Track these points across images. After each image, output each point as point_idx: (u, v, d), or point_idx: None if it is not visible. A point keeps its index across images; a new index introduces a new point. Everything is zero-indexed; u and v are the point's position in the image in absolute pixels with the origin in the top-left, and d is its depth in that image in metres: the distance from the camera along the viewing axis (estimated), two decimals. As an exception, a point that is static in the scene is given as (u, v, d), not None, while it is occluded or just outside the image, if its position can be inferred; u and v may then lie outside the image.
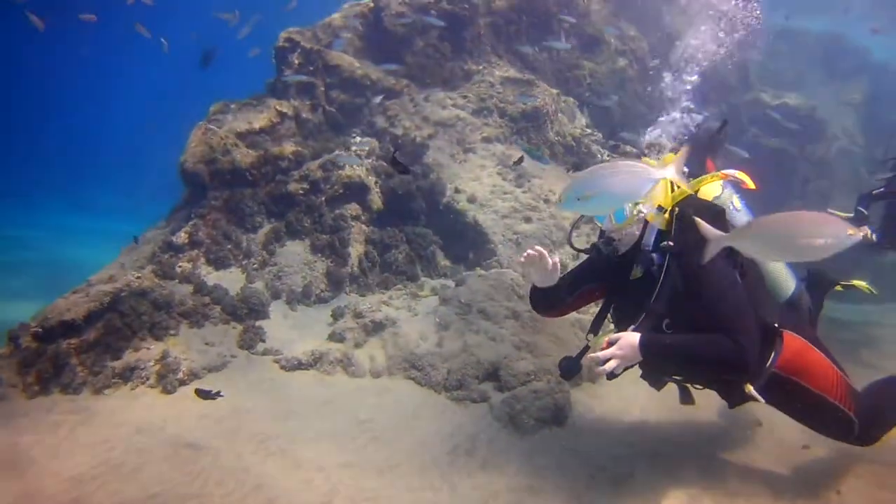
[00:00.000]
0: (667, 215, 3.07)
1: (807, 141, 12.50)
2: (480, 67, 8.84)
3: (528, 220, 7.15)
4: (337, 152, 7.20)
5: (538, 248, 3.29)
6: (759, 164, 11.16)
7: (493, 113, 8.26)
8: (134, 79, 47.79)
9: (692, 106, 6.53)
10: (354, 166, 7.12)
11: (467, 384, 5.00)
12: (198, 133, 7.05)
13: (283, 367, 5.44)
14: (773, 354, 3.07)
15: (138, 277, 5.65)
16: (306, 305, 6.50)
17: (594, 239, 3.57)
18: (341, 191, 7.04)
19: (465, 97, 8.28)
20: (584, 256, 3.66)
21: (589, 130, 9.13)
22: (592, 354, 2.84)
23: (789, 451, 3.93)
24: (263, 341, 5.77)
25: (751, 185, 3.16)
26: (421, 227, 7.25)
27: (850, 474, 3.60)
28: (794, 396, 3.14)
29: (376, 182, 7.26)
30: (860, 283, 4.66)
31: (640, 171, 2.62)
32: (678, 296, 2.97)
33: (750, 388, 3.01)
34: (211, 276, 6.64)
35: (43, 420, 4.73)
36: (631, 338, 2.86)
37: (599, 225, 3.26)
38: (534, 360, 5.10)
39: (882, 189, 5.90)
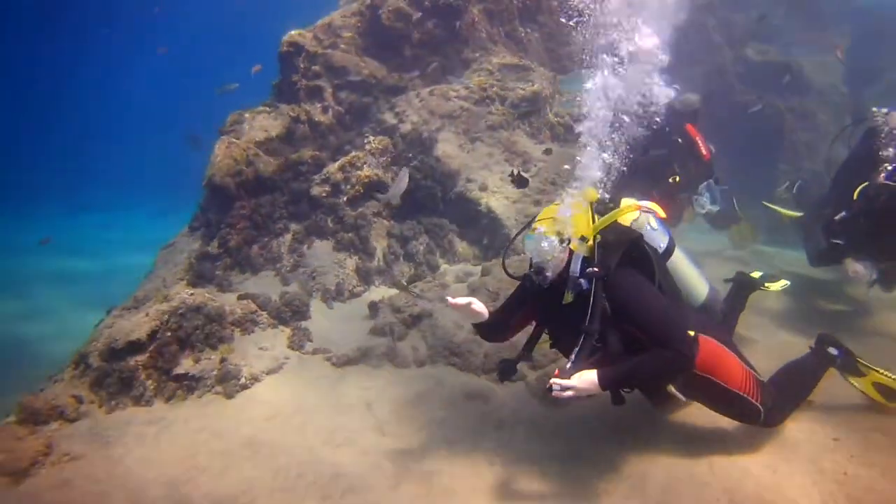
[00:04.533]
0: (590, 243, 3.46)
1: (791, 94, 12.90)
2: (478, 55, 9.18)
3: (537, 203, 7.60)
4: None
5: (457, 300, 3.79)
6: (745, 122, 11.63)
7: (495, 101, 8.64)
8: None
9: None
10: (372, 164, 7.53)
11: (504, 366, 5.49)
12: (222, 147, 7.40)
13: (334, 364, 5.91)
14: None
15: (192, 294, 6.08)
16: (341, 302, 6.97)
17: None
18: (362, 190, 7.46)
19: (467, 88, 8.63)
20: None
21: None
22: (554, 380, 3.19)
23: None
24: (311, 341, 6.24)
25: (661, 214, 3.63)
26: (437, 218, 7.70)
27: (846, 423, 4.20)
28: (709, 391, 3.60)
29: (392, 179, 7.66)
30: (778, 285, 5.34)
31: None
32: (608, 315, 3.35)
33: (671, 388, 3.51)
34: (247, 283, 7.09)
35: (126, 432, 5.15)
36: (589, 375, 3.20)
37: (526, 255, 3.63)
38: (561, 340, 5.61)
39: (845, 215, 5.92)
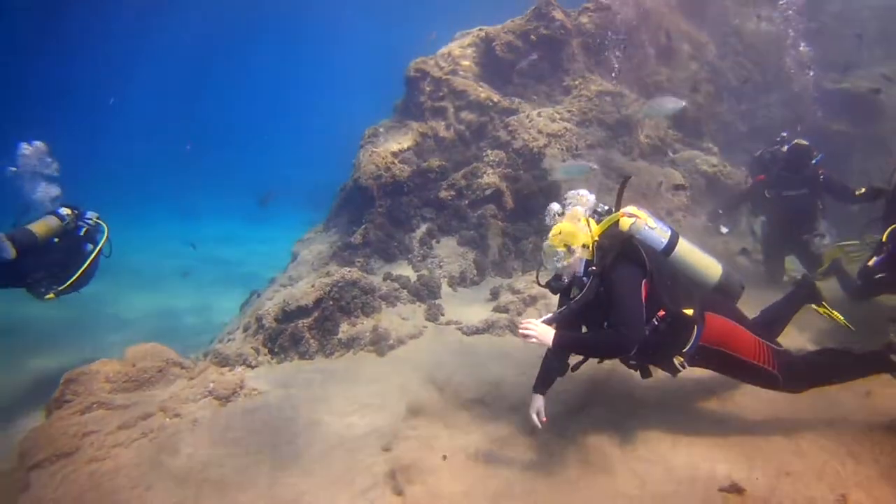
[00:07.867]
0: (590, 248, 3.99)
1: (866, 121, 13.39)
2: (577, 83, 10.39)
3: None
4: None
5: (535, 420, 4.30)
6: (822, 147, 12.29)
7: (594, 123, 9.83)
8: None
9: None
10: (490, 174, 8.81)
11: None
12: (366, 155, 8.85)
13: (464, 333, 7.11)
14: (696, 333, 3.99)
15: (350, 271, 7.43)
16: (464, 287, 8.22)
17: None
18: (482, 195, 8.72)
19: (569, 111, 9.85)
20: None
21: (671, 131, 10.66)
22: (525, 321, 3.81)
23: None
24: (443, 315, 7.49)
25: (643, 217, 4.16)
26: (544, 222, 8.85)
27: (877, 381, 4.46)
28: (722, 361, 4.09)
29: (507, 187, 8.90)
30: (839, 317, 5.06)
31: None
32: (593, 300, 3.93)
33: (680, 360, 4.07)
34: (385, 268, 8.40)
35: (297, 378, 6.47)
36: (549, 331, 3.74)
37: (549, 268, 4.17)
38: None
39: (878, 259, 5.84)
